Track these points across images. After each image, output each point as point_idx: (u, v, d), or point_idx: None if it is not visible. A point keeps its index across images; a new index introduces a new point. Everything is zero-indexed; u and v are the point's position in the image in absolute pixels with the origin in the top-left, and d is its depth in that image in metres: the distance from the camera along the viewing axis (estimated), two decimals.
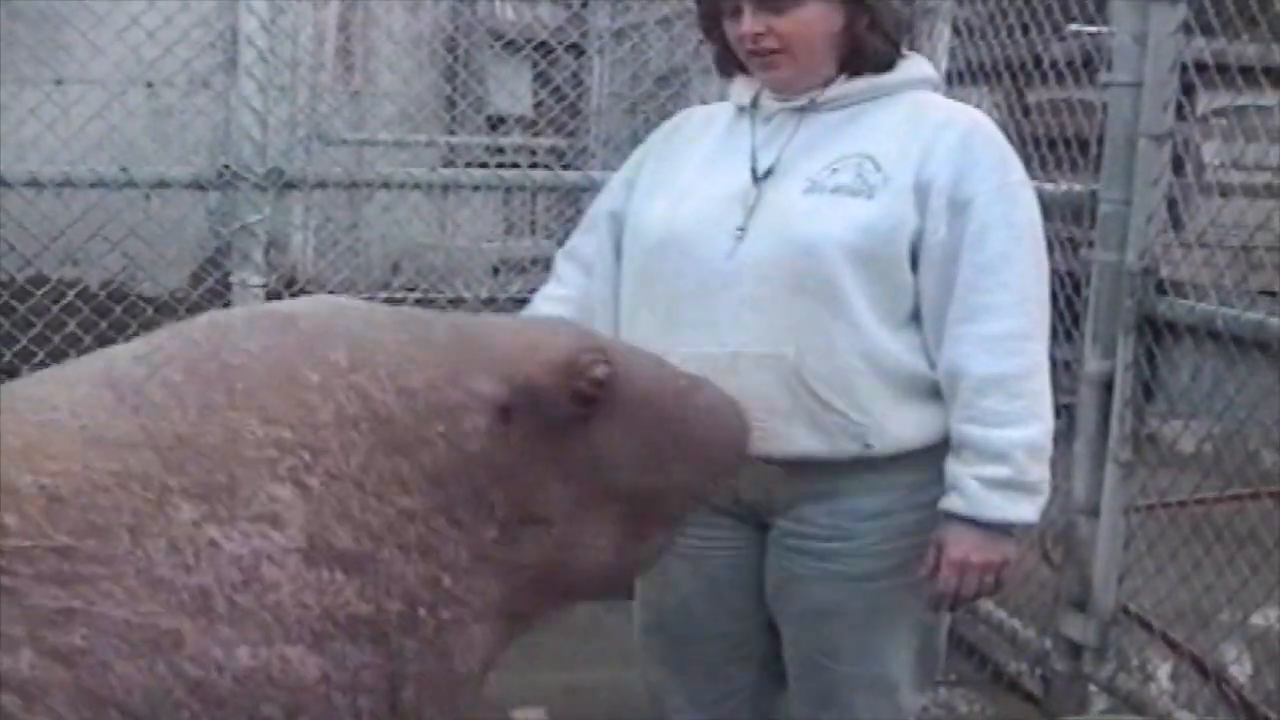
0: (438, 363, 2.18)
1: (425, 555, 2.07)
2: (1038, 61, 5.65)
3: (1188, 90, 4.58)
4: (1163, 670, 4.82)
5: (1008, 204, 2.97)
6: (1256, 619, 4.71)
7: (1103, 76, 4.68)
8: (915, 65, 3.16)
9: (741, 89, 3.17)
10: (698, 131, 3.24)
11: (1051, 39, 5.60)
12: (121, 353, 2.15)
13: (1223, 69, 4.68)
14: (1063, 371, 5.15)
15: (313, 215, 6.23)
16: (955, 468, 2.96)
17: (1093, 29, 5.46)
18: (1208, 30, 4.44)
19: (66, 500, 1.87)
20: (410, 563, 2.04)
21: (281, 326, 2.16)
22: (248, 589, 1.92)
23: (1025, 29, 5.54)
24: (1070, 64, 5.58)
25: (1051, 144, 5.63)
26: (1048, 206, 4.89)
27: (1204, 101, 6.05)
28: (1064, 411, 5.04)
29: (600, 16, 7.02)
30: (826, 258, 2.92)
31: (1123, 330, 4.50)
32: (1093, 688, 4.69)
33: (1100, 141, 4.73)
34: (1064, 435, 4.66)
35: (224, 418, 1.99)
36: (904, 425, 3.00)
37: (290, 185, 5.25)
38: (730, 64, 3.19)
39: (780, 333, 2.93)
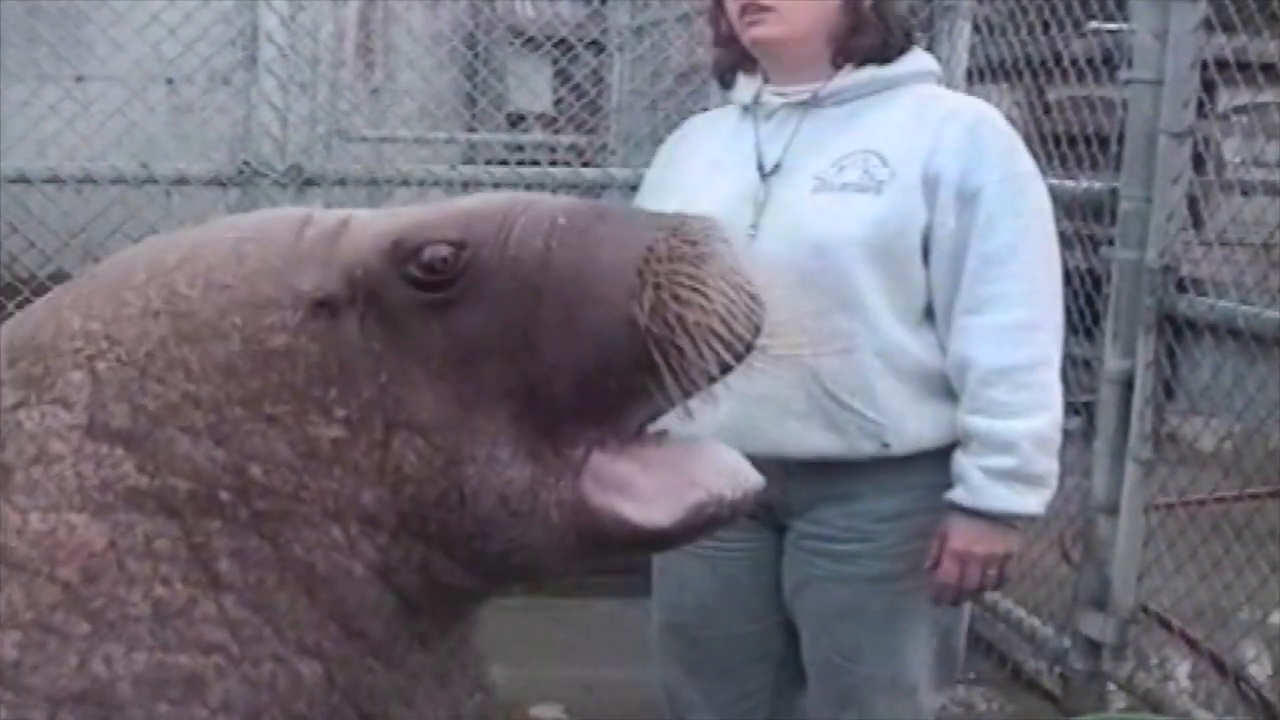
0: (269, 256, 2.13)
1: (220, 442, 2.06)
2: (1058, 59, 5.64)
3: (1208, 87, 4.57)
4: (1181, 669, 4.82)
5: (1015, 194, 2.96)
6: (1276, 618, 4.70)
7: (1123, 74, 4.67)
8: (918, 58, 3.14)
9: (744, 88, 3.16)
10: (703, 137, 3.24)
11: (1072, 36, 5.59)
12: None
13: (1244, 66, 4.68)
14: (1082, 369, 5.15)
15: None
16: (961, 459, 2.94)
17: (1113, 26, 5.45)
18: (1229, 27, 4.44)
19: None
20: (199, 446, 2.05)
21: (173, 237, 2.25)
22: (39, 462, 2.04)
23: (1045, 26, 5.54)
24: (1090, 61, 5.57)
25: (1072, 141, 5.62)
26: (1068, 204, 4.89)
27: (1225, 99, 6.04)
28: (1083, 409, 5.05)
29: (620, 13, 7.02)
30: (839, 256, 2.91)
31: (1143, 328, 4.49)
32: (1111, 686, 4.69)
33: (1120, 139, 4.73)
34: (1083, 433, 4.67)
35: (59, 317, 2.11)
36: (921, 424, 2.99)
37: (310, 182, 5.26)
38: (730, 64, 3.18)
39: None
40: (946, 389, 3.00)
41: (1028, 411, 2.90)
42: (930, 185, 2.95)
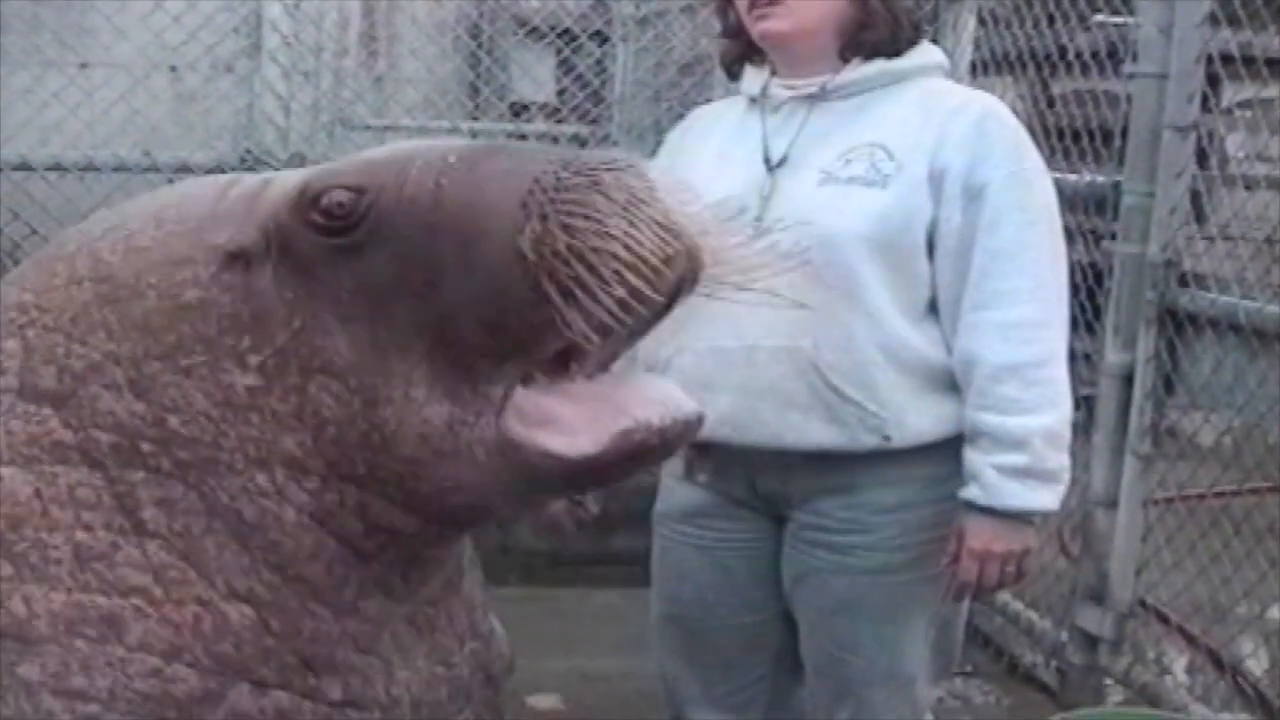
0: (187, 218, 2.20)
1: (140, 396, 2.14)
2: (1063, 52, 5.64)
3: (1213, 82, 4.57)
4: (1179, 663, 4.81)
5: (1022, 190, 2.96)
6: (1274, 612, 4.69)
7: (1127, 67, 4.68)
8: (926, 51, 3.14)
9: (751, 79, 3.15)
10: (709, 128, 3.23)
11: (1077, 29, 5.59)
12: None
13: (1248, 61, 4.67)
14: (1083, 363, 5.15)
15: None
16: (973, 456, 2.93)
17: (1118, 20, 5.44)
18: (1234, 21, 4.43)
19: None
20: (120, 401, 2.14)
21: (108, 211, 2.38)
22: None
23: (1050, 19, 5.53)
24: (1095, 55, 5.57)
25: (1075, 135, 5.62)
26: (1070, 198, 4.89)
27: (1229, 93, 6.03)
28: (1084, 403, 5.05)
29: (624, 4, 7.00)
30: (844, 250, 2.91)
31: (1144, 323, 4.49)
32: (1108, 680, 4.69)
33: (1124, 133, 4.71)
34: (1083, 427, 4.67)
35: (5, 293, 2.26)
36: (923, 418, 2.99)
37: None
38: (737, 54, 3.18)
39: (798, 325, 2.89)
40: (948, 383, 3.00)
41: (1038, 408, 2.90)
42: (936, 180, 2.94)
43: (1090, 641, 4.66)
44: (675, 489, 3.22)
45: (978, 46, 5.90)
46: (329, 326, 2.11)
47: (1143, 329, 4.50)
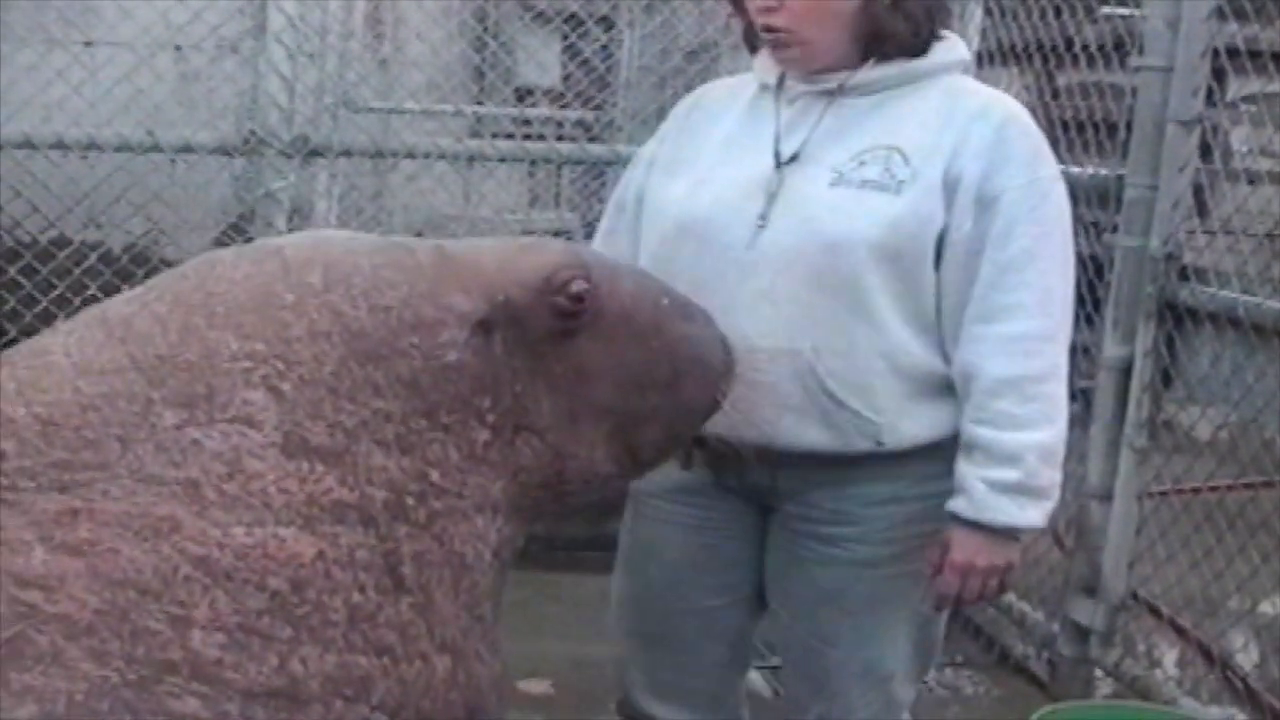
0: (413, 282, 2.39)
1: (406, 451, 2.30)
2: (1069, 44, 5.63)
3: (1218, 75, 4.57)
4: (1169, 656, 4.82)
5: (1037, 200, 2.88)
6: (1265, 607, 4.71)
7: (1133, 60, 4.67)
8: (949, 49, 3.04)
9: (766, 65, 3.07)
10: (720, 108, 3.14)
11: (1083, 21, 5.58)
12: (119, 297, 2.43)
13: (1254, 54, 4.67)
14: (1081, 356, 5.15)
15: (337, 183, 6.21)
16: (964, 469, 2.89)
17: (1125, 12, 5.44)
18: (1240, 15, 4.43)
19: (59, 423, 2.17)
20: (390, 457, 2.28)
21: (265, 256, 2.41)
22: (233, 479, 2.17)
23: (1057, 11, 5.53)
24: (1101, 47, 5.55)
25: (1080, 127, 5.61)
26: (1074, 190, 4.86)
27: (1234, 87, 6.03)
28: (1081, 396, 5.05)
29: None
30: (851, 256, 2.86)
31: (1143, 316, 4.49)
32: (1098, 672, 4.70)
33: (1129, 126, 4.71)
34: (1080, 419, 4.67)
35: (203, 337, 2.26)
36: (917, 423, 2.95)
37: (315, 153, 5.27)
38: (755, 38, 3.08)
39: (797, 328, 2.87)
40: (944, 388, 2.96)
41: (1034, 424, 2.85)
42: (950, 186, 2.88)
43: (1081, 633, 4.67)
44: (662, 467, 3.13)
45: (984, 37, 5.88)
46: (538, 393, 2.49)
47: (1142, 322, 4.50)
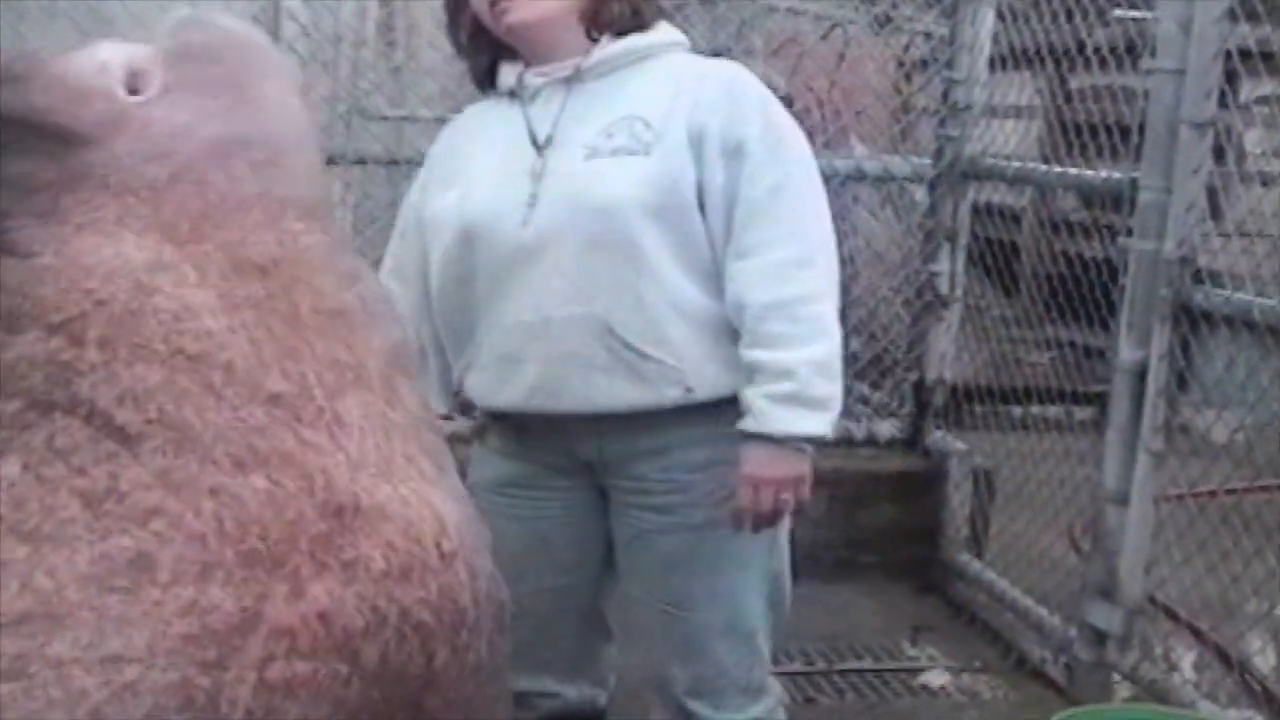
0: None
1: None
2: (1081, 47, 5.62)
3: (1231, 77, 4.54)
4: (1187, 660, 4.80)
5: (775, 143, 3.10)
6: None
7: (1145, 63, 4.64)
8: (669, 30, 3.27)
9: (506, 74, 3.25)
10: (475, 125, 3.33)
11: (1095, 24, 5.57)
12: None
13: (1267, 56, 4.66)
14: (1096, 359, 5.14)
15: (352, 191, 6.20)
16: (746, 392, 3.06)
17: (1137, 14, 5.43)
18: (1253, 17, 4.41)
19: None
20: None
21: None
22: None
23: (1069, 14, 5.52)
24: (1114, 49, 5.55)
25: (1093, 130, 5.61)
26: (1087, 193, 4.86)
27: (1247, 89, 6.02)
28: (1096, 399, 5.03)
29: None
30: (620, 216, 3.04)
31: (1158, 319, 4.47)
32: (1116, 676, 4.68)
33: (1141, 128, 4.69)
34: (1095, 423, 4.66)
35: None
36: (720, 369, 3.11)
37: (330, 161, 5.26)
38: (486, 65, 3.29)
39: (588, 293, 3.05)
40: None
41: (803, 340, 3.04)
42: (695, 143, 3.08)
43: (1099, 637, 4.65)
44: (490, 461, 3.36)
45: (996, 41, 5.89)
46: None
47: (1157, 326, 4.47)
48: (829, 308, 3.09)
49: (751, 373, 3.06)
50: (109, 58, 2.41)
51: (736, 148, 3.07)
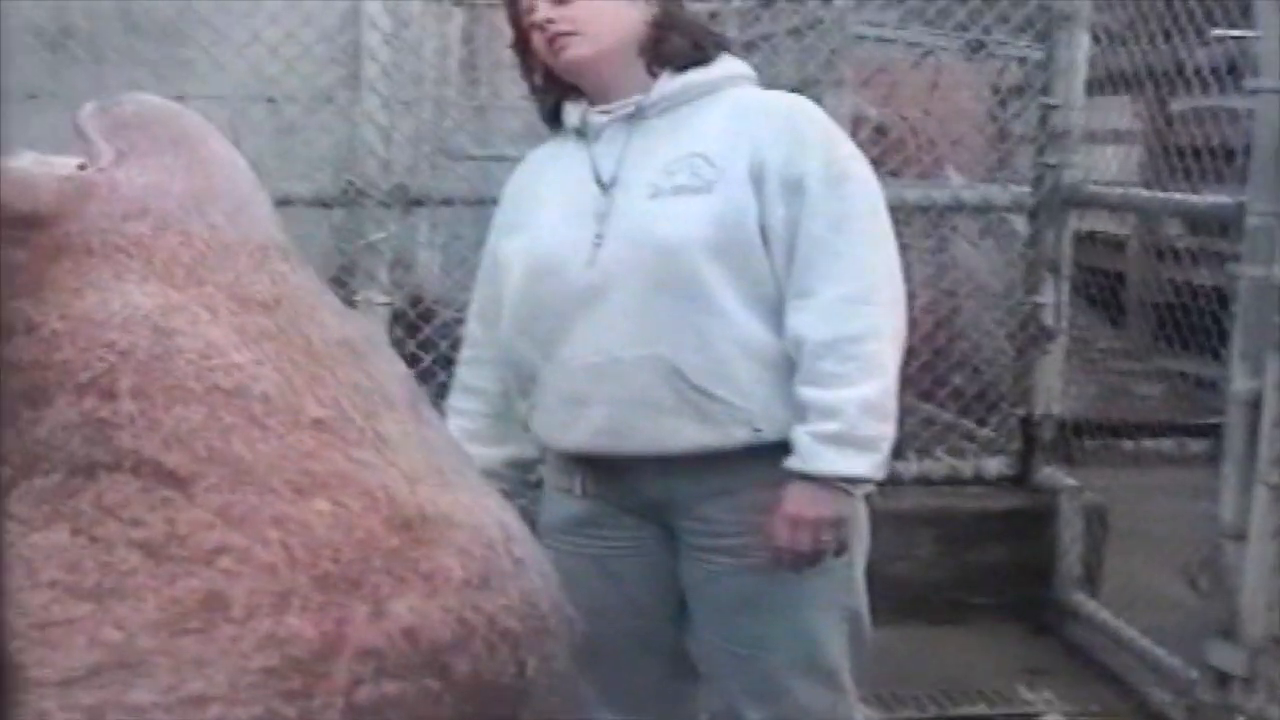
0: None
1: None
2: (1180, 68, 5.55)
3: None
4: None
5: (838, 177, 3.06)
6: None
7: (1249, 83, 4.57)
8: (733, 63, 3.25)
9: (571, 113, 3.24)
10: (541, 166, 3.33)
11: (1195, 44, 5.49)
12: None
13: None
14: (1209, 390, 5.03)
15: (439, 232, 6.17)
16: (795, 429, 3.02)
17: (1238, 33, 5.31)
18: None
19: None
20: None
21: None
22: None
23: (1167, 35, 5.45)
24: (1215, 70, 5.49)
25: (1196, 154, 5.52)
26: (1193, 219, 4.76)
27: None
28: (1211, 432, 4.91)
29: (730, 28, 6.94)
30: (684, 256, 3.02)
31: (1272, 348, 4.37)
32: (1241, 718, 4.56)
33: (1247, 151, 4.61)
34: (1210, 456, 4.53)
35: None
36: (789, 408, 3.05)
37: (416, 202, 5.25)
38: (553, 104, 3.27)
39: (653, 332, 3.02)
40: None
41: (853, 380, 2.99)
42: (756, 177, 3.04)
43: (1221, 679, 4.53)
44: (559, 501, 3.32)
45: (1093, 65, 5.82)
46: None
47: (1271, 354, 4.37)
48: (886, 346, 3.05)
49: (802, 410, 3.02)
50: (40, 155, 2.43)
51: (797, 183, 3.04)
